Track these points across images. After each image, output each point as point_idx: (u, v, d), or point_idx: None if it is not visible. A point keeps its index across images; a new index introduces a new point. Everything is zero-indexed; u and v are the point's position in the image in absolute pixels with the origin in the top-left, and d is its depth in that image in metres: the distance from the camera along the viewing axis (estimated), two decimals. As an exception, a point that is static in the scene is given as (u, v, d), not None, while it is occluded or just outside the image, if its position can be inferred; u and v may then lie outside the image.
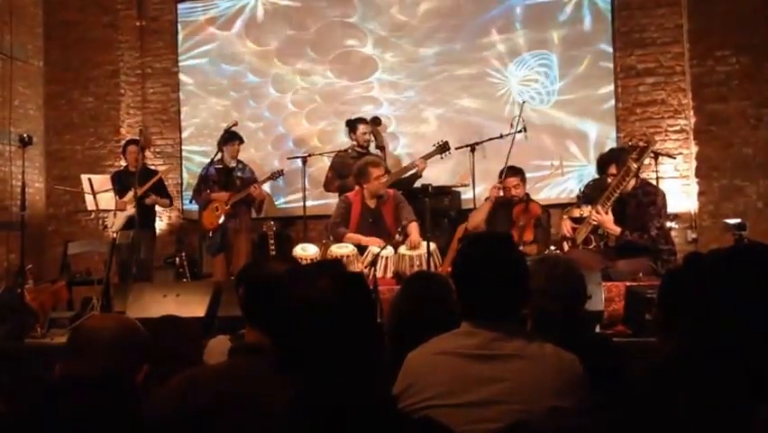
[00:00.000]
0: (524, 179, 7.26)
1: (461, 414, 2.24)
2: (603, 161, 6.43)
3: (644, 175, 6.59)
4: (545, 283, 3.16)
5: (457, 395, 2.29)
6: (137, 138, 9.11)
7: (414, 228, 7.06)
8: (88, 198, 8.37)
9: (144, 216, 8.47)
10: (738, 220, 7.22)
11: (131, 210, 8.30)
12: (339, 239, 7.22)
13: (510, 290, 2.45)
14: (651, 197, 6.16)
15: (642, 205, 6.10)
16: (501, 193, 7.08)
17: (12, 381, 4.45)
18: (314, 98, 9.71)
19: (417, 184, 8.04)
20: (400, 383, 2.40)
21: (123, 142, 9.47)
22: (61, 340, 6.09)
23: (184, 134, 10.12)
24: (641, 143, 6.09)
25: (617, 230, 6.04)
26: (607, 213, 6.06)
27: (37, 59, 10.25)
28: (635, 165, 5.93)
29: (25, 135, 7.58)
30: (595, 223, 6.12)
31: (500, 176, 7.26)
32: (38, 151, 10.02)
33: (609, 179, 6.18)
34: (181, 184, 10.01)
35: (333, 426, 1.68)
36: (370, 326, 1.93)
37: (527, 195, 7.30)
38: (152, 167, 9.51)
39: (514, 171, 7.25)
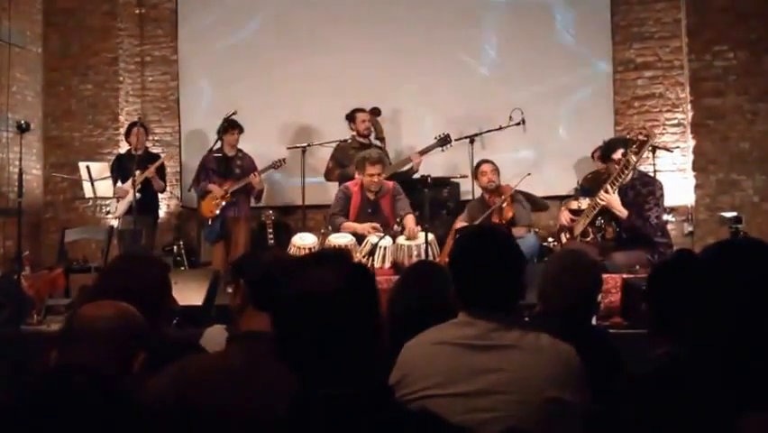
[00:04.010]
0: (496, 170, 7.46)
1: (458, 404, 2.25)
2: (610, 147, 6.43)
3: (641, 168, 6.61)
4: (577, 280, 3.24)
5: (454, 385, 2.29)
6: (137, 121, 9.12)
7: (410, 220, 7.10)
8: (86, 186, 8.35)
9: (146, 203, 8.45)
10: (734, 214, 7.25)
11: (131, 196, 8.24)
12: (337, 229, 7.26)
13: (507, 281, 2.46)
14: (649, 187, 6.18)
15: (640, 195, 6.12)
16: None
17: (8, 368, 4.44)
18: (315, 88, 9.67)
19: (416, 175, 8.06)
20: (396, 373, 2.41)
21: (122, 129, 9.45)
22: (58, 327, 6.11)
23: (183, 122, 10.11)
24: (641, 137, 6.10)
25: (625, 212, 6.04)
26: (614, 194, 6.06)
27: (36, 46, 10.22)
28: (634, 158, 5.94)
29: (23, 121, 7.57)
30: (603, 203, 6.09)
31: (475, 169, 7.57)
32: (36, 137, 10.00)
33: (616, 166, 6.20)
34: (180, 172, 10.00)
35: (332, 415, 1.69)
36: (372, 316, 1.92)
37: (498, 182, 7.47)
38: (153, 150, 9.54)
39: (488, 161, 7.56)
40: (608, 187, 6.06)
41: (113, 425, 2.01)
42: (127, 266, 3.02)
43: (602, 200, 6.10)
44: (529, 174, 7.48)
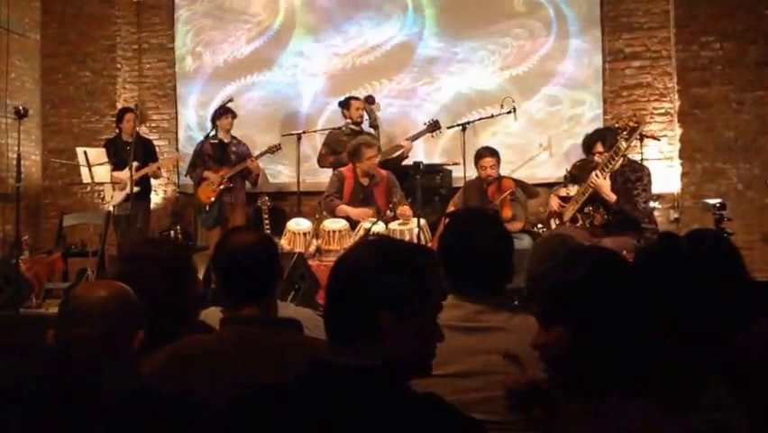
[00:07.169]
0: (498, 161, 7.42)
1: (447, 384, 2.25)
2: (589, 140, 6.57)
3: (629, 156, 6.72)
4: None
5: (442, 366, 2.23)
6: (131, 107, 9.16)
7: (404, 208, 7.21)
8: (84, 171, 8.37)
9: (140, 188, 8.47)
10: (719, 201, 7.33)
11: (129, 189, 8.27)
12: (332, 211, 7.37)
13: (495, 263, 2.54)
14: (638, 173, 6.27)
15: (629, 180, 6.21)
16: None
17: (7, 351, 4.51)
18: (310, 77, 9.75)
19: (409, 162, 8.13)
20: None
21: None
22: (56, 310, 6.21)
23: (180, 109, 10.16)
24: (631, 123, 6.20)
25: (613, 197, 6.09)
26: (605, 179, 6.14)
27: (34, 33, 10.21)
28: (624, 144, 6.04)
29: (21, 108, 7.61)
30: (593, 187, 6.20)
31: (476, 157, 7.45)
32: (34, 123, 10.03)
33: (596, 157, 6.34)
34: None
35: (335, 391, 1.71)
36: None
37: (498, 173, 7.47)
38: (147, 135, 9.60)
39: (490, 152, 7.42)
40: (599, 172, 6.16)
41: (121, 404, 2.02)
42: (148, 251, 2.84)
43: (592, 185, 6.20)
44: (532, 158, 7.45)
